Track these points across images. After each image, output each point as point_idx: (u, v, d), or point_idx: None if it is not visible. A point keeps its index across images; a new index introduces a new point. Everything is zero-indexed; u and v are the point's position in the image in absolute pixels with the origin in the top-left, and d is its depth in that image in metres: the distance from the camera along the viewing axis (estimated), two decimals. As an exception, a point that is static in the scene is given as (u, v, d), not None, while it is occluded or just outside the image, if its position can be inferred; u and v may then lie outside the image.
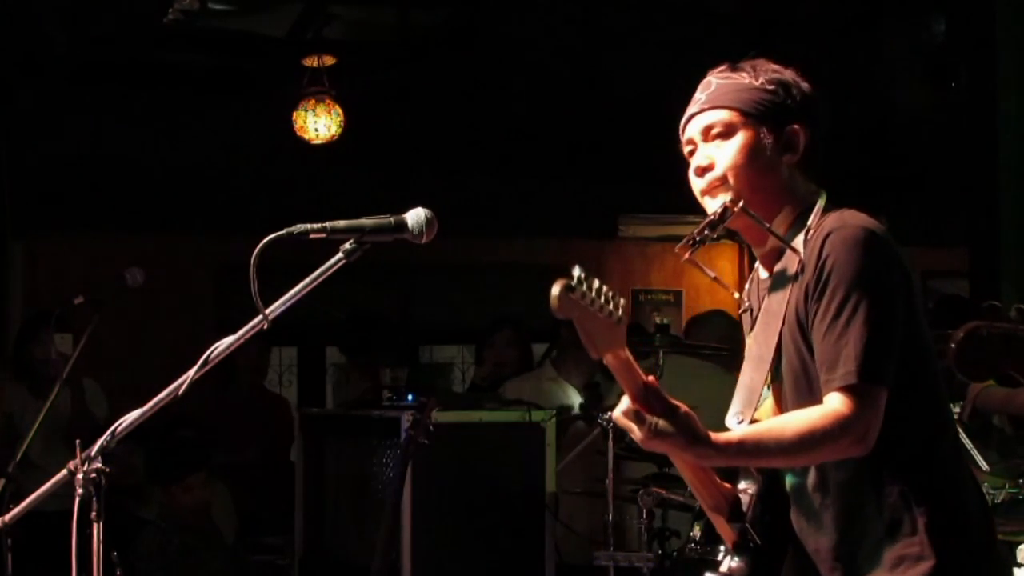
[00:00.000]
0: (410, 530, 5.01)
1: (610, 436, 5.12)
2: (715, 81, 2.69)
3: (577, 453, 5.68)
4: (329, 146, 8.19)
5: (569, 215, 9.38)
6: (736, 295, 2.84)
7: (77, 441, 2.76)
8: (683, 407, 2.38)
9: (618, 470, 5.23)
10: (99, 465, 2.69)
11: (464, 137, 8.90)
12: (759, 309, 2.69)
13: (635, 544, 5.16)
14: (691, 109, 2.71)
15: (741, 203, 2.57)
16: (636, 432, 2.34)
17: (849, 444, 2.42)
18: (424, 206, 2.76)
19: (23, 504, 2.96)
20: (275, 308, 2.68)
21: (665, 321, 5.52)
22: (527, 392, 6.00)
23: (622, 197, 9.55)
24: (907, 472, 2.51)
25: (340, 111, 8.11)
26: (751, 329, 2.72)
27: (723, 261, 10.21)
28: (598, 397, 5.91)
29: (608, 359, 2.32)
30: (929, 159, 8.40)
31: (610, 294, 2.25)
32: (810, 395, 2.51)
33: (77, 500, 2.67)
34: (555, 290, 2.19)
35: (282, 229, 2.68)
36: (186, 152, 8.62)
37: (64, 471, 2.74)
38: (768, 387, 2.60)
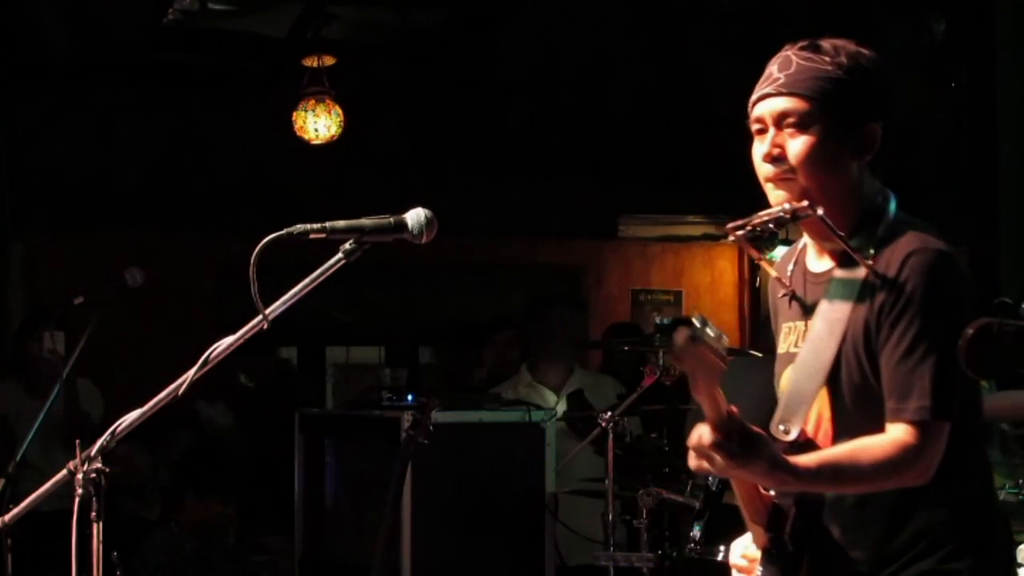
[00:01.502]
0: (410, 530, 5.01)
1: (610, 436, 5.12)
2: (795, 61, 2.57)
3: (576, 453, 5.66)
4: (329, 146, 8.19)
5: (569, 215, 9.38)
6: (773, 273, 2.75)
7: (77, 441, 2.76)
8: (763, 433, 2.36)
9: (618, 470, 5.23)
10: (99, 465, 2.69)
11: (464, 137, 8.90)
12: (804, 299, 2.63)
13: (635, 544, 5.16)
14: (766, 87, 2.58)
15: (820, 211, 2.48)
16: (717, 461, 2.31)
17: (914, 476, 2.43)
18: (424, 206, 2.75)
19: (23, 504, 2.96)
20: (275, 308, 2.67)
21: (665, 321, 5.51)
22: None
23: (622, 197, 9.55)
24: (951, 497, 2.50)
25: (340, 111, 8.11)
26: (790, 319, 2.67)
27: (723, 261, 10.21)
28: (583, 405, 5.88)
29: (700, 395, 2.29)
30: (929, 160, 8.40)
31: (719, 337, 2.24)
32: (870, 413, 2.48)
33: (77, 500, 2.67)
34: (679, 341, 2.19)
35: (282, 229, 2.68)
36: (186, 152, 8.62)
37: (64, 471, 2.74)
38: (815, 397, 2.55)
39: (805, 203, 2.49)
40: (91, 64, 8.18)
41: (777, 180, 2.56)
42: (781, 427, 2.52)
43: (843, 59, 2.56)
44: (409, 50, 8.34)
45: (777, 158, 2.55)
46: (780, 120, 2.55)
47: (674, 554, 4.93)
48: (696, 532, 4.51)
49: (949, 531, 2.49)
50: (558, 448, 5.41)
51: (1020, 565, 3.92)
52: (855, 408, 2.51)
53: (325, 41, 8.15)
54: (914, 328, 2.43)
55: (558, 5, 7.95)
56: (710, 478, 4.59)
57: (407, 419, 4.77)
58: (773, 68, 2.59)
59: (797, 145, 2.54)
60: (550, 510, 5.30)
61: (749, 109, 2.62)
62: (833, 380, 2.53)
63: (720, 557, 4.39)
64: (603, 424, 5.14)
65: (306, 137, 8.14)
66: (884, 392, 2.46)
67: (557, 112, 8.84)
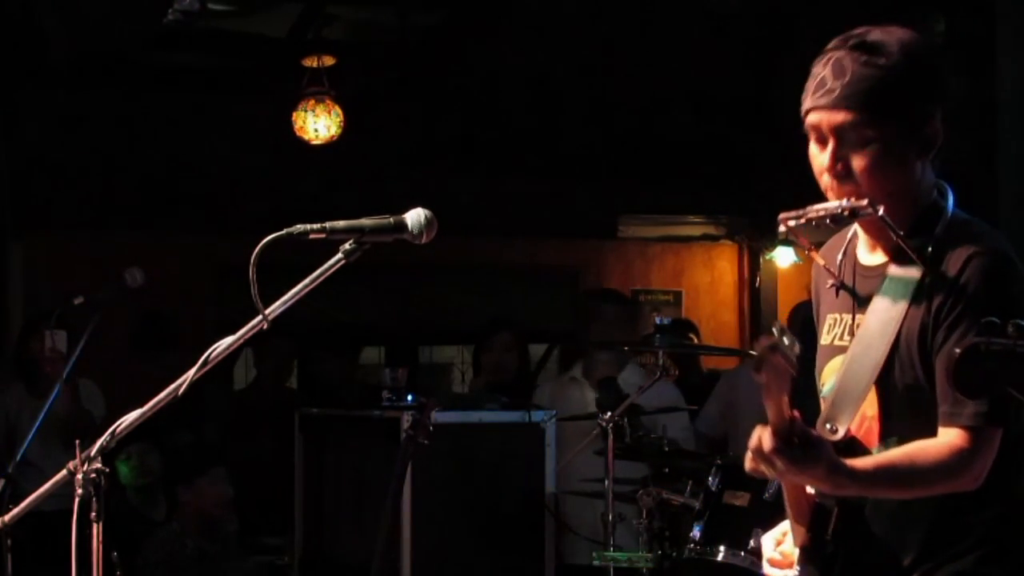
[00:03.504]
0: (410, 530, 5.02)
1: (610, 436, 5.12)
2: (849, 67, 2.44)
3: (576, 453, 5.66)
4: (329, 146, 8.19)
5: (569, 215, 9.38)
6: (821, 262, 2.67)
7: (77, 441, 2.76)
8: (822, 437, 2.36)
9: (618, 470, 5.22)
10: (99, 465, 2.69)
11: (464, 137, 8.90)
12: (854, 291, 2.58)
13: (635, 544, 5.16)
14: (820, 97, 2.46)
15: (880, 210, 2.41)
16: (778, 465, 2.30)
17: (966, 482, 2.41)
18: (424, 206, 2.75)
19: (23, 504, 2.96)
20: (275, 308, 2.67)
21: (665, 321, 5.50)
22: (558, 396, 5.98)
23: (622, 197, 9.55)
24: (995, 501, 2.47)
25: (340, 111, 8.12)
26: (836, 310, 2.62)
27: (722, 261, 10.21)
28: (616, 392, 5.59)
29: (769, 402, 2.28)
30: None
31: (793, 344, 2.21)
32: (919, 415, 2.45)
33: (77, 500, 2.67)
34: (761, 352, 2.19)
35: (282, 229, 2.68)
36: (186, 152, 8.62)
37: (64, 471, 2.74)
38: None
39: (865, 202, 2.42)
40: (91, 64, 8.18)
41: (838, 190, 2.48)
42: (828, 426, 2.49)
43: (898, 56, 2.44)
44: (409, 50, 8.35)
45: (842, 174, 2.47)
46: (840, 133, 2.46)
47: (674, 554, 4.92)
48: (696, 532, 4.51)
49: (988, 534, 2.47)
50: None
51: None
52: (904, 410, 2.48)
53: (325, 41, 8.16)
54: (973, 332, 2.36)
55: (558, 5, 7.96)
56: (710, 479, 4.59)
57: (407, 419, 4.77)
58: (826, 73, 2.47)
59: (862, 161, 2.45)
60: (550, 510, 5.30)
61: (802, 115, 2.52)
62: (883, 380, 2.48)
63: (720, 557, 4.39)
64: (603, 424, 5.13)
65: (306, 137, 8.15)
66: (938, 395, 2.42)
67: (557, 112, 8.84)
